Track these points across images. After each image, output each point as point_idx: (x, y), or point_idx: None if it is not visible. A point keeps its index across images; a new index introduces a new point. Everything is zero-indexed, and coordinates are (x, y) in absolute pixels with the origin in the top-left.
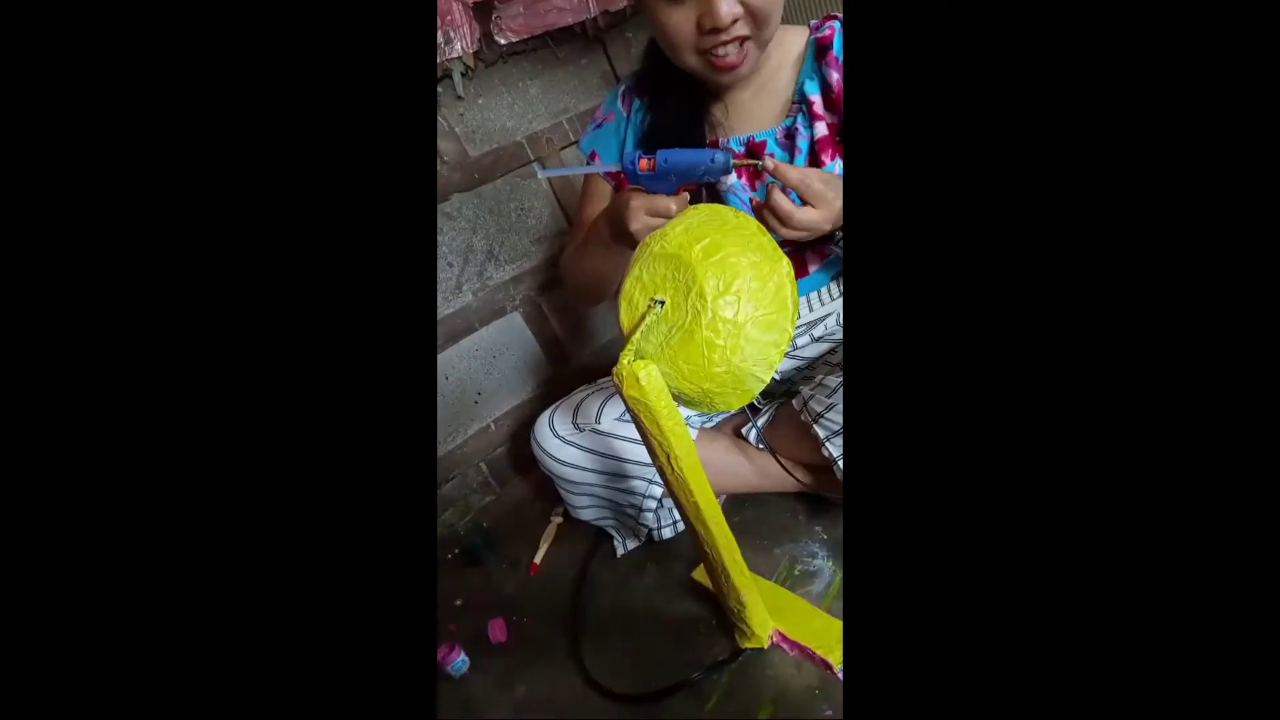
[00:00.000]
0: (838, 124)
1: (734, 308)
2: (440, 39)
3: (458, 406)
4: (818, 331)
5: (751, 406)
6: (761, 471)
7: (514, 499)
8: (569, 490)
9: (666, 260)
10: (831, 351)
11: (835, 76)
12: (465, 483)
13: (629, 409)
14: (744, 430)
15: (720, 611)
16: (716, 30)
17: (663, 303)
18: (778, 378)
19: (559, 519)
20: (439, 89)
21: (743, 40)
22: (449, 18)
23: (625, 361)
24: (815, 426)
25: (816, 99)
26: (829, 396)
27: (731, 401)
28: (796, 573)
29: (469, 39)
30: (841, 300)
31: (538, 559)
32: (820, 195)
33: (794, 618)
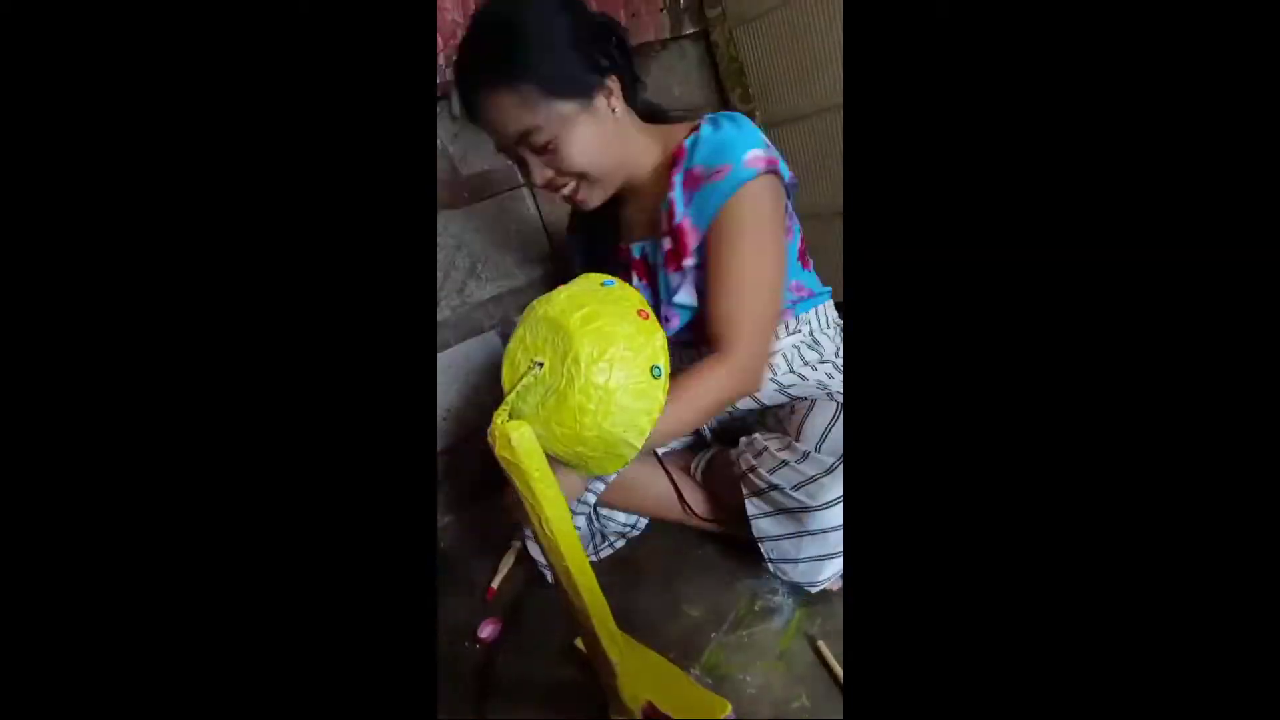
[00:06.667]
0: (674, 243)
1: (606, 374)
2: (443, 60)
3: None
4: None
5: (700, 436)
6: (698, 502)
7: (477, 520)
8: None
9: (548, 324)
10: (778, 407)
11: (670, 195)
12: None
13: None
14: (692, 466)
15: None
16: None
17: (542, 364)
18: (739, 413)
19: (519, 543)
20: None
21: (577, 185)
22: (454, 41)
23: (499, 421)
24: (742, 482)
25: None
26: (755, 457)
27: (605, 465)
28: (756, 608)
29: None
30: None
31: (495, 584)
32: None
33: (670, 691)
